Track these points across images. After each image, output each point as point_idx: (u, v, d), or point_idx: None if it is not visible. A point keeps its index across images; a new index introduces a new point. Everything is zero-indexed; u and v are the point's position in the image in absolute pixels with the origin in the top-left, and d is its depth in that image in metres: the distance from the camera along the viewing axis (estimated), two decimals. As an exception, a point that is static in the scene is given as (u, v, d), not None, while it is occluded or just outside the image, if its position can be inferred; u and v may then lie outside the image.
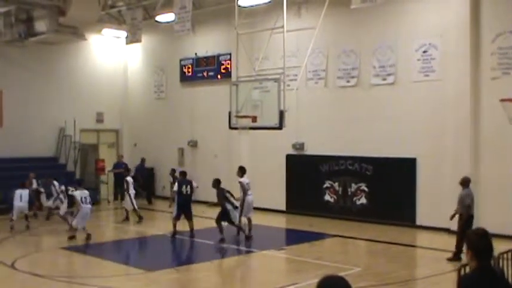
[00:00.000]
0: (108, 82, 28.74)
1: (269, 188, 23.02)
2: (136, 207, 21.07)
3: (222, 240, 16.86)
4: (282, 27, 16.20)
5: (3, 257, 14.92)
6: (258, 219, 21.67)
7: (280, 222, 21.48)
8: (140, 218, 20.86)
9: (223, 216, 17.35)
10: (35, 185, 21.22)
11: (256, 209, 23.03)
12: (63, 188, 20.19)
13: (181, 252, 17.65)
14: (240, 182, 17.90)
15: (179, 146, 26.89)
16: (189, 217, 18.29)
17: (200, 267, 14.44)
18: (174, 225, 18.19)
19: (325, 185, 21.42)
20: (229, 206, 17.24)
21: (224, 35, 24.11)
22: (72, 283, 12.57)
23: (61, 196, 20.10)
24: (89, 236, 17.21)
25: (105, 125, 29.11)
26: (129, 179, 21.46)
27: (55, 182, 20.84)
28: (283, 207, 22.67)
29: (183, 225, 18.23)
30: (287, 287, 12.19)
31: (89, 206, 17.63)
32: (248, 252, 16.22)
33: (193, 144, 26.43)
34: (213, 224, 20.55)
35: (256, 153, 23.46)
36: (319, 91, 21.65)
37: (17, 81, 25.07)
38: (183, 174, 19.40)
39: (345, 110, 20.92)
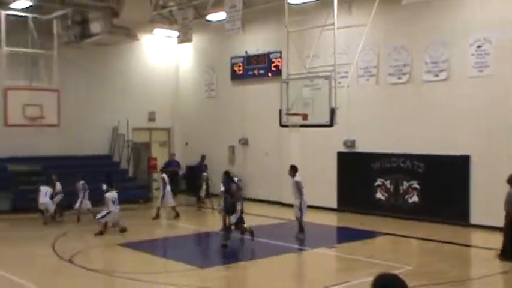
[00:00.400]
0: (160, 81, 29.15)
1: (320, 185, 22.97)
2: (169, 204, 21.39)
3: (224, 246, 16.06)
4: (333, 24, 16.18)
5: (61, 252, 15.33)
6: (308, 217, 21.68)
7: (331, 220, 21.43)
8: (158, 215, 21.29)
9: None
10: (58, 187, 21.00)
11: (308, 206, 23.10)
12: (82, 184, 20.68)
13: (232, 250, 17.77)
14: (296, 182, 17.61)
15: (230, 144, 27.08)
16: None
17: (251, 265, 14.54)
18: (224, 221, 18.40)
19: (376, 183, 21.27)
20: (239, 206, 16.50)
21: (274, 33, 24.16)
22: (126, 278, 12.81)
23: (84, 193, 20.55)
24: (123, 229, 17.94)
25: (157, 124, 29.54)
26: (165, 176, 21.77)
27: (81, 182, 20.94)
28: (334, 205, 22.60)
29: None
30: (338, 285, 12.18)
31: (118, 207, 18.26)
32: (299, 250, 16.23)
33: (244, 142, 26.58)
34: (265, 221, 20.73)
35: (307, 151, 23.44)
36: (370, 88, 21.50)
37: (73, 82, 25.66)
38: (227, 173, 19.49)
39: (397, 107, 20.72)
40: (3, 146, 24.25)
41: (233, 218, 16.57)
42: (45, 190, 20.12)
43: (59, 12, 22.50)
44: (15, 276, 12.97)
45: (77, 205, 20.49)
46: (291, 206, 23.40)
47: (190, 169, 28.18)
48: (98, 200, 19.62)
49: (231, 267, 14.54)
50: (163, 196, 21.37)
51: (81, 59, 26.30)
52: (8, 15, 21.67)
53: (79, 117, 26.19)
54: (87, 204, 20.53)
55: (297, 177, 17.78)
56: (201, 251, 16.84)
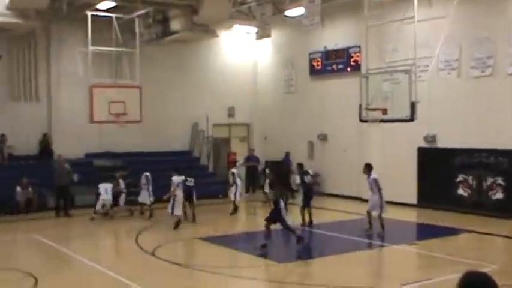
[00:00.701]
0: (238, 77, 29.46)
1: (400, 181, 22.69)
2: (236, 199, 21.51)
3: (264, 246, 15.12)
4: (413, 17, 15.94)
5: (144, 245, 15.78)
6: (388, 213, 21.45)
7: (411, 216, 21.13)
8: (235, 210, 21.51)
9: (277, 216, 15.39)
10: (122, 185, 21.34)
11: (387, 202, 22.85)
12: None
13: (313, 245, 17.80)
14: (374, 179, 17.23)
15: (309, 139, 27.08)
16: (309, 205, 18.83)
17: (330, 260, 14.53)
18: (303, 216, 18.53)
19: (458, 179, 20.80)
20: (281, 204, 15.45)
21: (353, 27, 24.00)
22: (208, 272, 13.04)
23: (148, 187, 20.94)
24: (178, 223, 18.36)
25: (237, 120, 29.87)
26: (234, 170, 22.04)
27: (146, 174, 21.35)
28: (414, 201, 22.27)
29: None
30: (418, 282, 12.04)
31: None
32: (379, 246, 16.10)
33: (323, 137, 26.52)
34: (344, 217, 20.67)
35: (387, 146, 23.18)
36: (451, 82, 21.02)
37: (154, 78, 26.27)
38: (300, 166, 19.50)
39: (480, 101, 20.16)
40: (89, 142, 25.18)
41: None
42: (104, 187, 20.72)
43: (141, 12, 23.10)
44: (105, 269, 13.45)
45: (147, 199, 20.99)
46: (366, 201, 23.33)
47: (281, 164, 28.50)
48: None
49: (310, 263, 14.60)
50: (236, 191, 21.63)
51: (162, 56, 26.93)
52: (93, 15, 22.39)
53: (161, 113, 26.84)
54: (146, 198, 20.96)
55: (374, 175, 17.46)
56: (281, 246, 16.92)
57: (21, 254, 16.05)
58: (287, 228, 15.37)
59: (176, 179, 18.51)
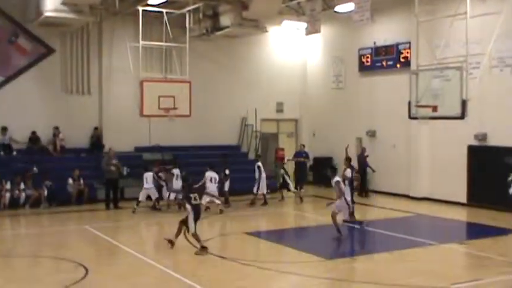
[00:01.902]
0: (287, 72, 29.44)
1: (449, 179, 22.44)
2: (263, 191, 22.19)
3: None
4: (465, 13, 15.71)
5: (192, 239, 15.95)
6: (437, 211, 21.25)
7: (461, 215, 20.83)
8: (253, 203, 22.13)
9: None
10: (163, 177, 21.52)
11: (436, 200, 22.65)
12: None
13: (360, 242, 17.72)
14: (337, 182, 16.57)
15: (357, 135, 26.91)
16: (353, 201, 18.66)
17: (378, 258, 14.45)
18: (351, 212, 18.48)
19: (510, 178, 20.35)
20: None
21: (403, 22, 23.74)
22: (254, 266, 13.11)
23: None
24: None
25: (285, 115, 29.88)
26: (260, 164, 22.46)
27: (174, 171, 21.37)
28: (463, 200, 21.94)
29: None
30: (469, 282, 11.88)
31: (215, 185, 20.38)
32: (427, 244, 15.93)
33: (372, 134, 26.33)
34: (392, 214, 20.52)
35: (436, 144, 22.90)
36: (504, 79, 20.59)
37: (203, 73, 26.50)
38: (349, 160, 19.33)
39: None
40: (138, 135, 25.56)
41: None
42: (145, 176, 21.11)
43: (191, 7, 23.30)
44: (153, 261, 13.66)
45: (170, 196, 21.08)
46: (418, 199, 23.11)
47: (317, 160, 28.44)
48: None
49: (357, 259, 14.53)
50: (258, 183, 22.05)
51: (211, 51, 27.12)
52: (144, 10, 22.71)
53: (209, 108, 27.05)
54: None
55: (337, 178, 16.78)
56: (328, 241, 16.91)
57: (73, 245, 16.41)
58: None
59: (208, 174, 20.65)
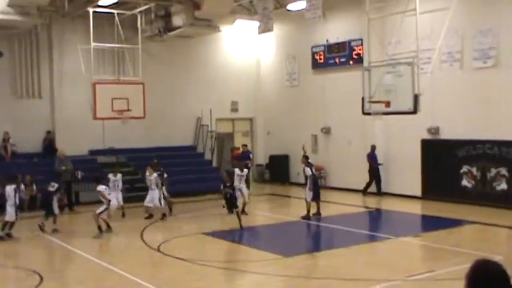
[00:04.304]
0: (241, 72, 29.44)
1: (404, 173, 22.73)
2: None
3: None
4: (415, 9, 15.90)
5: (150, 241, 15.83)
6: (393, 205, 21.52)
7: (415, 208, 21.14)
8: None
9: None
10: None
11: (391, 194, 22.93)
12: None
13: (317, 238, 17.85)
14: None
15: (312, 132, 27.06)
16: (318, 197, 18.99)
17: (335, 253, 14.55)
18: (308, 209, 18.59)
19: (462, 170, 20.79)
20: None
21: (355, 20, 23.96)
22: (212, 267, 13.07)
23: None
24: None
25: (240, 114, 29.87)
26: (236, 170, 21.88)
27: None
28: (418, 193, 22.26)
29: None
30: (424, 274, 12.05)
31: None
32: (384, 238, 16.12)
33: (327, 130, 26.51)
34: (348, 210, 20.69)
35: (390, 139, 23.17)
36: (454, 73, 20.98)
37: (157, 74, 26.29)
38: (307, 158, 19.48)
39: (482, 92, 20.13)
40: (92, 138, 25.21)
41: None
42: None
43: (143, 7, 23.09)
44: (112, 265, 13.47)
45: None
46: (374, 194, 23.36)
47: (273, 159, 28.53)
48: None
49: (316, 256, 14.62)
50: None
51: (165, 51, 26.93)
52: (95, 12, 22.40)
53: (163, 109, 26.84)
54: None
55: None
56: (286, 239, 16.96)
57: (26, 252, 16.09)
58: None
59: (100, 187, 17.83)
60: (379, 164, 23.55)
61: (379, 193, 23.44)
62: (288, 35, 28.29)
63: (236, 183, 19.22)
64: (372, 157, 23.58)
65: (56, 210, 18.37)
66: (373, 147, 23.56)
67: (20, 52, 24.54)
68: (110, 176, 19.96)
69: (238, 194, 18.95)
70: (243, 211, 19.25)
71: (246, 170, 20.10)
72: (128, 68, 24.41)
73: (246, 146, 26.29)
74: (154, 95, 25.24)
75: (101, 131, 25.17)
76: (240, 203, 19.02)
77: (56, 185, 18.58)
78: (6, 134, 23.61)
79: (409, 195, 22.36)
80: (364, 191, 23.71)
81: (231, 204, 17.52)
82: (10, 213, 16.78)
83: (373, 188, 23.63)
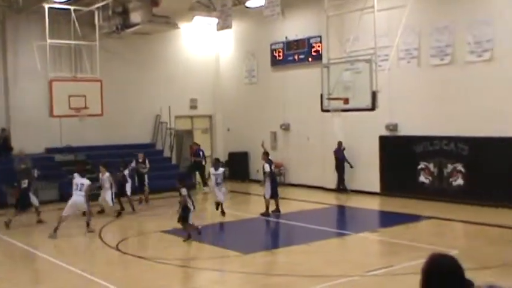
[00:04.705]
0: (200, 69, 29.31)
1: (362, 170, 22.92)
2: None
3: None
4: (372, 7, 16.04)
5: (108, 240, 15.64)
6: (352, 201, 21.71)
7: (374, 204, 21.35)
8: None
9: None
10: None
11: (352, 191, 23.10)
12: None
13: (276, 235, 17.90)
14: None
15: (272, 129, 27.10)
16: (276, 194, 19.05)
17: (295, 250, 14.58)
18: (267, 206, 18.61)
19: (419, 166, 21.07)
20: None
21: (314, 17, 24.04)
22: (171, 265, 12.98)
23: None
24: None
25: (199, 111, 29.75)
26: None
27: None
28: (377, 189, 22.48)
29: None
30: (382, 269, 12.16)
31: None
32: (343, 234, 16.23)
33: (286, 127, 26.58)
34: (307, 206, 20.78)
35: (349, 135, 23.31)
36: (411, 70, 21.24)
37: (115, 71, 25.99)
38: (267, 154, 19.48)
39: (439, 89, 20.42)
40: (49, 136, 24.77)
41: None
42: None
43: (100, 4, 22.79)
44: (71, 266, 13.25)
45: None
46: (333, 190, 23.51)
47: (232, 156, 28.52)
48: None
49: (275, 253, 14.64)
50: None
51: (123, 48, 26.64)
52: (51, 8, 22.01)
53: (122, 107, 26.56)
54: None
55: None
56: (245, 236, 16.94)
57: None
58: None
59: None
60: (348, 162, 23.24)
61: (342, 189, 23.48)
62: (247, 32, 28.26)
63: (211, 182, 19.42)
64: (338, 153, 23.44)
65: (36, 202, 18.52)
66: (340, 143, 23.34)
67: (-28, 49, 24.02)
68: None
69: (216, 191, 19.09)
70: (222, 212, 19.15)
71: (221, 169, 19.45)
72: (85, 65, 24.08)
73: (196, 144, 26.56)
74: (112, 92, 24.95)
75: (58, 129, 24.74)
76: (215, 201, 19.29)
77: (27, 181, 18.45)
78: (-42, 133, 23.11)
79: (368, 191, 22.57)
80: (338, 188, 23.60)
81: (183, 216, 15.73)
82: None
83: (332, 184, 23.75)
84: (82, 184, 16.87)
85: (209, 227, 18.06)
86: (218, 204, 19.31)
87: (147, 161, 22.13)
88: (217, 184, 19.10)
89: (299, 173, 25.85)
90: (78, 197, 16.77)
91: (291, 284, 11.59)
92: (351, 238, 15.87)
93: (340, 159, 23.39)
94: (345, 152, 23.38)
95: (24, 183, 18.34)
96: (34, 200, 18.59)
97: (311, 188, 24.75)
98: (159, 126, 28.10)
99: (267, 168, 18.98)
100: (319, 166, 24.56)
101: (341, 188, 23.46)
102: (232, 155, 28.86)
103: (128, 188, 20.59)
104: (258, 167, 26.76)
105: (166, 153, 27.92)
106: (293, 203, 21.43)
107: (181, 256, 14.08)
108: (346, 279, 11.61)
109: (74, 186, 16.98)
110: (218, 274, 12.52)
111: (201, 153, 25.70)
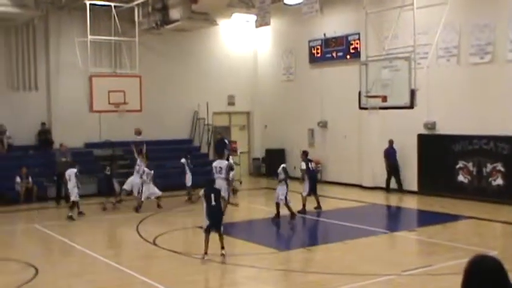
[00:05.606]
0: (238, 65, 29.39)
1: (400, 168, 22.70)
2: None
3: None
4: (412, 4, 15.89)
5: (145, 235, 15.82)
6: (389, 200, 21.56)
7: (411, 203, 21.17)
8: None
9: None
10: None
11: (390, 189, 22.93)
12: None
13: (313, 232, 17.86)
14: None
15: (309, 127, 27.06)
16: (315, 192, 19.09)
17: (332, 248, 14.57)
18: (304, 203, 18.60)
19: (458, 166, 20.81)
20: None
21: (352, 14, 23.92)
22: (207, 260, 13.05)
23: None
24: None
25: (237, 108, 29.84)
26: (183, 160, 22.02)
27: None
28: (414, 188, 22.28)
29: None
30: (419, 268, 12.07)
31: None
32: (380, 233, 16.13)
33: (323, 125, 26.50)
34: (344, 204, 20.71)
35: (387, 133, 23.14)
36: (451, 69, 20.98)
37: (154, 67, 26.22)
38: (305, 153, 19.47)
39: (479, 88, 20.14)
40: (88, 131, 25.13)
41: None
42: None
43: (140, 0, 23.03)
44: (108, 259, 13.46)
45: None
46: (370, 188, 23.38)
47: (269, 153, 28.54)
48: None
49: (311, 250, 14.62)
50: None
51: (162, 44, 26.88)
52: (92, 4, 22.31)
53: (160, 102, 26.78)
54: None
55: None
56: (281, 233, 16.97)
57: (21, 245, 16.10)
58: None
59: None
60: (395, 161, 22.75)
61: (399, 190, 22.73)
62: (285, 29, 28.23)
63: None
64: (389, 152, 22.87)
65: (117, 188, 20.69)
66: (391, 142, 22.78)
67: (16, 44, 24.48)
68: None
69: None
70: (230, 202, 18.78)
71: (224, 162, 18.89)
72: (125, 61, 24.32)
73: (220, 134, 25.95)
74: (151, 88, 25.16)
75: (97, 124, 25.08)
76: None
77: (109, 168, 20.67)
78: (2, 127, 23.57)
79: (406, 190, 22.37)
80: (387, 188, 23.04)
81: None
82: None
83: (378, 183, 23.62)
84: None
85: (246, 223, 18.14)
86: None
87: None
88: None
89: (336, 171, 25.76)
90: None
91: (327, 281, 11.57)
92: (387, 237, 15.78)
93: (392, 159, 22.78)
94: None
95: (108, 171, 20.48)
96: (116, 186, 20.61)
97: (348, 185, 24.64)
98: (197, 122, 28.27)
99: (303, 165, 18.98)
100: (356, 164, 24.43)
101: (398, 189, 22.70)
102: (269, 152, 28.88)
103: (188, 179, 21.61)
104: (294, 163, 26.73)
105: (204, 149, 28.07)
106: (330, 200, 21.36)
107: (217, 252, 14.15)
108: (383, 278, 11.55)
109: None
110: (254, 271, 12.56)
111: (226, 141, 24.97)
